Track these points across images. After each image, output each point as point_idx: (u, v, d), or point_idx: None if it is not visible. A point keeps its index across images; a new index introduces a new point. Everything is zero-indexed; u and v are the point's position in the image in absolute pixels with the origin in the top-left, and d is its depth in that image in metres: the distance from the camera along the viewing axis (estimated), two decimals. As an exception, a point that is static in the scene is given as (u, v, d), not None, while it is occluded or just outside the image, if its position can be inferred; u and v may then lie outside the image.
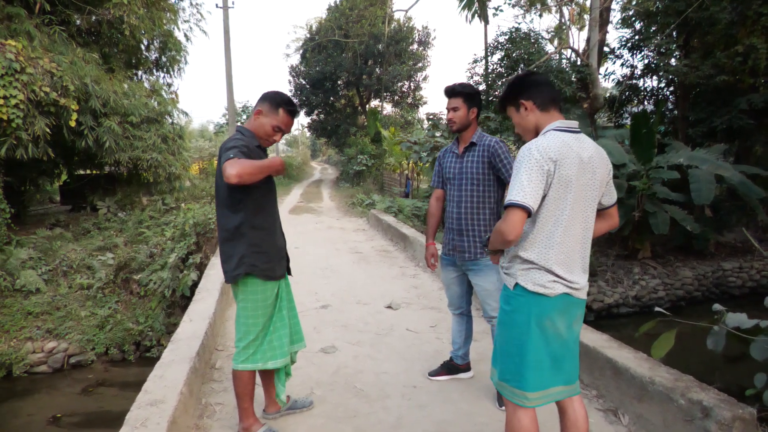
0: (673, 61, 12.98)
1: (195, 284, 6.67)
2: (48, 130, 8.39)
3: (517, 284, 1.96)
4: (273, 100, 2.53)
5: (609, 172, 2.03)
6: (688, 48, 12.94)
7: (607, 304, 9.66)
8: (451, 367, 3.44)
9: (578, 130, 1.99)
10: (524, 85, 2.06)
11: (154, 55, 13.45)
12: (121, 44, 11.19)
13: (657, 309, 3.42)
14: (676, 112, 13.78)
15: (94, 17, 10.30)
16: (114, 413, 5.82)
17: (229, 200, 2.48)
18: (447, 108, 3.05)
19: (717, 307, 3.32)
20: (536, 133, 2.03)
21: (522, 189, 1.82)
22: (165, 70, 13.70)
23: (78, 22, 10.31)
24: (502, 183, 3.02)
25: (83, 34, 10.82)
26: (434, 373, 3.45)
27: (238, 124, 2.53)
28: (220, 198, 2.53)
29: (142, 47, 12.63)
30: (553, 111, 2.03)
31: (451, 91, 3.00)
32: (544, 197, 1.88)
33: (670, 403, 2.51)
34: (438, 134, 14.45)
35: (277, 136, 2.56)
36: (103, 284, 8.15)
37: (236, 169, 2.18)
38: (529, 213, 1.83)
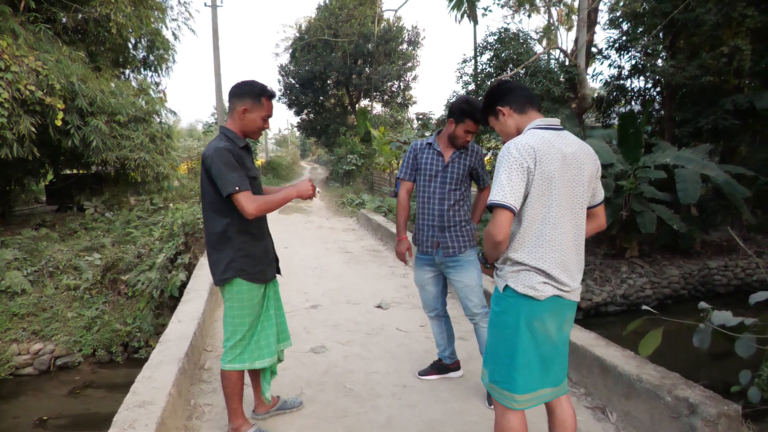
0: (659, 61, 13.11)
1: (184, 285, 6.63)
2: (33, 129, 8.27)
3: (507, 286, 1.95)
4: (252, 93, 2.50)
5: (597, 170, 2.03)
6: (674, 49, 13.07)
7: (595, 303, 9.73)
8: (441, 367, 3.46)
9: (560, 127, 1.99)
10: (499, 93, 2.12)
11: (141, 54, 13.31)
12: (108, 43, 11.06)
13: (644, 307, 3.45)
14: (662, 112, 13.92)
15: (80, 15, 10.17)
16: (102, 415, 5.76)
17: (217, 205, 2.47)
18: (465, 130, 2.96)
19: (703, 305, 3.36)
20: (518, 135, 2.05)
21: (502, 188, 1.83)
22: (153, 68, 13.56)
23: (64, 20, 10.18)
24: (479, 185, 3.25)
25: (69, 32, 10.69)
26: (424, 373, 3.46)
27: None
28: (207, 202, 2.51)
29: (130, 46, 12.48)
30: (531, 111, 2.06)
31: (479, 120, 2.87)
32: (527, 195, 1.87)
33: (657, 400, 2.54)
34: (428, 134, 14.48)
35: (266, 125, 2.58)
36: (90, 285, 8.05)
37: (254, 207, 2.37)
38: (513, 212, 1.84)
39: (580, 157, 1.95)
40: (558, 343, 1.99)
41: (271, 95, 2.56)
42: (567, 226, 1.92)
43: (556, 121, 2.01)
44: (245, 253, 2.52)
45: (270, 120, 2.58)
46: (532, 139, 1.89)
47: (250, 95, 2.49)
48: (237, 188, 2.33)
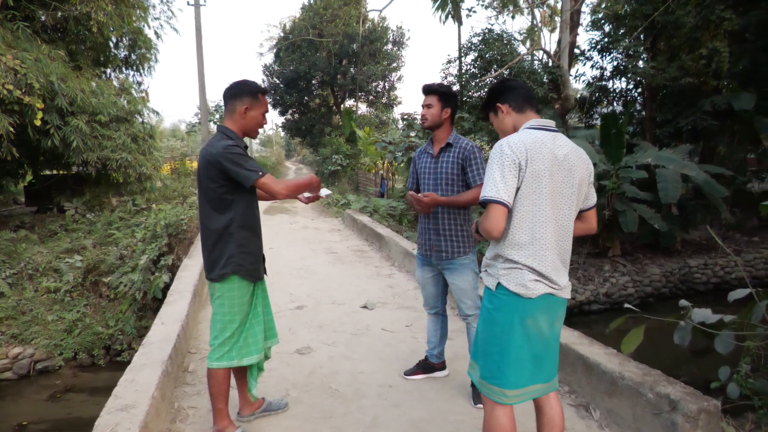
0: (640, 63, 13.30)
1: (167, 286, 6.55)
2: (12, 129, 8.10)
3: (499, 284, 1.97)
4: (250, 91, 2.56)
5: (590, 174, 2.05)
6: (654, 50, 13.28)
7: (578, 302, 9.83)
8: (427, 366, 3.46)
9: (555, 129, 2.03)
10: (500, 90, 2.16)
11: (123, 53, 13.13)
12: (89, 41, 10.90)
13: (626, 305, 3.49)
14: (644, 113, 14.12)
15: (59, 13, 10.00)
16: (83, 419, 5.68)
17: (218, 201, 2.49)
18: (422, 105, 3.10)
19: (683, 303, 3.40)
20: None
21: (495, 185, 1.87)
22: (135, 68, 13.39)
23: (43, 18, 9.99)
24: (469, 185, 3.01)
25: (49, 30, 10.49)
26: (410, 373, 3.47)
27: (214, 124, 2.56)
28: (206, 200, 2.52)
29: (111, 45, 12.29)
30: (529, 111, 2.10)
31: (428, 89, 3.07)
32: (517, 191, 1.90)
33: (639, 397, 2.57)
34: (413, 134, 14.50)
35: (265, 120, 2.66)
36: (71, 287, 7.92)
37: (282, 186, 2.47)
38: (507, 207, 1.88)
39: (572, 160, 1.97)
40: (550, 339, 2.02)
41: (265, 91, 2.65)
42: (553, 225, 1.94)
43: (551, 122, 2.04)
44: (246, 249, 2.56)
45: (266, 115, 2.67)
46: (524, 137, 1.93)
47: (249, 94, 2.56)
48: (260, 173, 2.41)
